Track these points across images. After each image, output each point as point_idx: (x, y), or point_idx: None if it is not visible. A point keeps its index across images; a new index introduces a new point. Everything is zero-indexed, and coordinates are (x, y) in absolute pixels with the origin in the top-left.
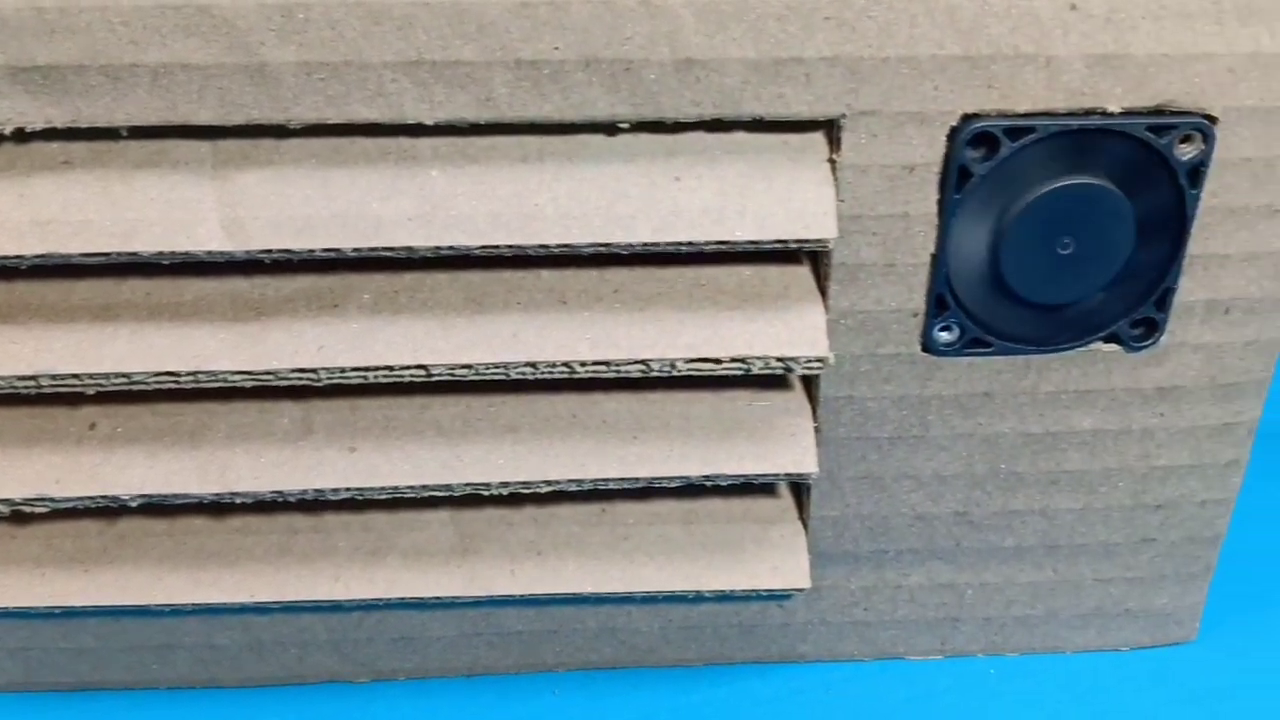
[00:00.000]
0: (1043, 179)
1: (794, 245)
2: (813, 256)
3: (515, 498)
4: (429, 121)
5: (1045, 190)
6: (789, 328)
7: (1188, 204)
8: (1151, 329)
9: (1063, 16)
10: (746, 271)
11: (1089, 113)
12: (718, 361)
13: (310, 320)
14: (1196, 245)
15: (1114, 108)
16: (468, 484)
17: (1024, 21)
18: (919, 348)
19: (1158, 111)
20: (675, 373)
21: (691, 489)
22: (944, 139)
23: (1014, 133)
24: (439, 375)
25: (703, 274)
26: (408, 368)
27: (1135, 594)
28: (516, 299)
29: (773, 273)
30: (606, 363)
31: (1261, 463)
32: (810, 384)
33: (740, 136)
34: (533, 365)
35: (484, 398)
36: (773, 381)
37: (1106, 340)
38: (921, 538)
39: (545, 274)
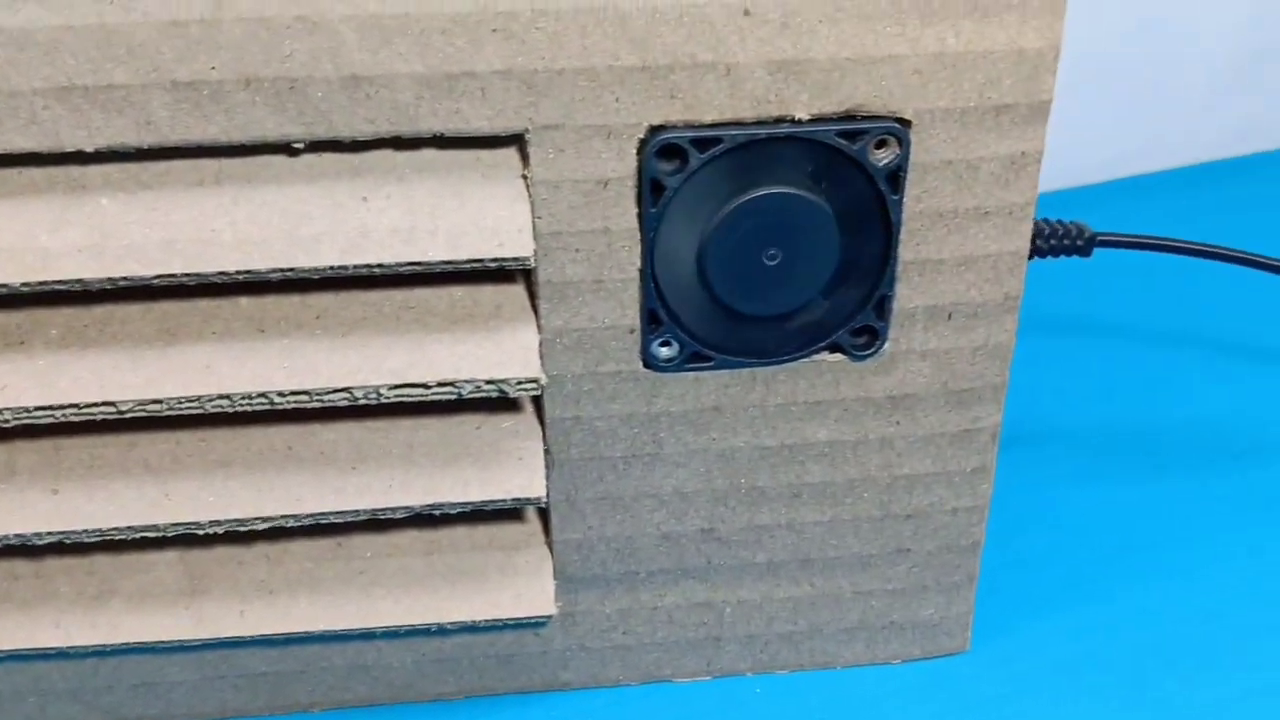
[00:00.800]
0: (738, 190)
1: (491, 264)
2: (527, 274)
3: (247, 534)
4: (89, 148)
5: (742, 201)
6: (499, 349)
7: (891, 209)
8: (873, 337)
9: (737, 22)
10: (458, 292)
11: (778, 120)
12: (425, 386)
13: None
14: (908, 251)
15: (802, 115)
16: (177, 524)
17: (698, 29)
18: (640, 364)
19: (848, 117)
20: (381, 400)
21: (433, 517)
22: (633, 152)
23: (701, 144)
24: (130, 412)
25: (412, 296)
26: (95, 405)
27: (898, 606)
28: (211, 329)
29: (485, 292)
30: (306, 392)
31: (1027, 466)
32: (540, 405)
33: (430, 154)
34: (227, 398)
35: (195, 432)
36: (503, 403)
37: (830, 350)
38: (671, 557)
39: (244, 301)
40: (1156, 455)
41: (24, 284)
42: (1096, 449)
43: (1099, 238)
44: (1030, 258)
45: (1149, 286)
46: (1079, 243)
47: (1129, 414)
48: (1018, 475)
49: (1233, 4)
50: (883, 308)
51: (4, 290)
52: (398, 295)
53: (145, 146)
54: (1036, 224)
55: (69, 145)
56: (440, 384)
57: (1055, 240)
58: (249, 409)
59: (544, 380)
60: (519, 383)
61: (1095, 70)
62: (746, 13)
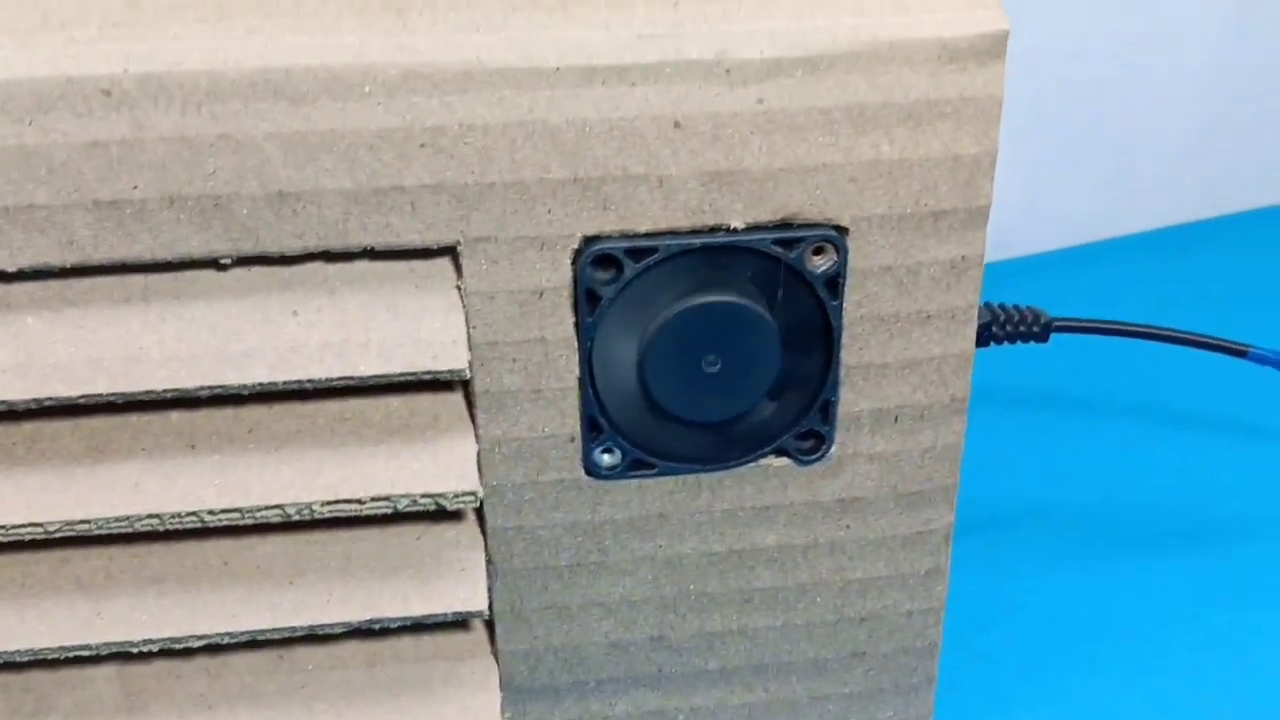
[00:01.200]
0: (675, 298)
1: (426, 376)
2: (465, 383)
3: (185, 649)
4: (9, 268)
5: (679, 309)
6: (435, 461)
7: (831, 315)
8: (819, 442)
9: (668, 135)
10: (394, 402)
11: (713, 230)
12: (359, 502)
13: None
14: (851, 355)
15: (737, 224)
16: (110, 644)
17: (629, 142)
18: (582, 472)
19: (783, 225)
20: (315, 516)
21: (378, 628)
22: (568, 262)
23: (636, 254)
24: (59, 532)
25: (347, 407)
26: (21, 527)
27: (855, 710)
28: (141, 445)
29: (423, 403)
30: (238, 510)
31: (987, 553)
32: (482, 515)
33: (362, 266)
34: (157, 517)
35: (128, 548)
36: (444, 513)
37: (776, 455)
38: (620, 665)
39: (175, 416)
40: (1118, 537)
41: None
42: (1057, 532)
43: (1056, 323)
44: (986, 344)
45: (1107, 365)
46: (1035, 329)
47: (1088, 495)
48: (977, 563)
49: (1196, 68)
50: (827, 412)
51: None
52: (332, 407)
53: (69, 265)
54: (992, 310)
55: None
56: (375, 499)
57: (1011, 327)
58: (180, 527)
59: (481, 493)
60: (456, 495)
61: (1057, 132)
62: (677, 125)
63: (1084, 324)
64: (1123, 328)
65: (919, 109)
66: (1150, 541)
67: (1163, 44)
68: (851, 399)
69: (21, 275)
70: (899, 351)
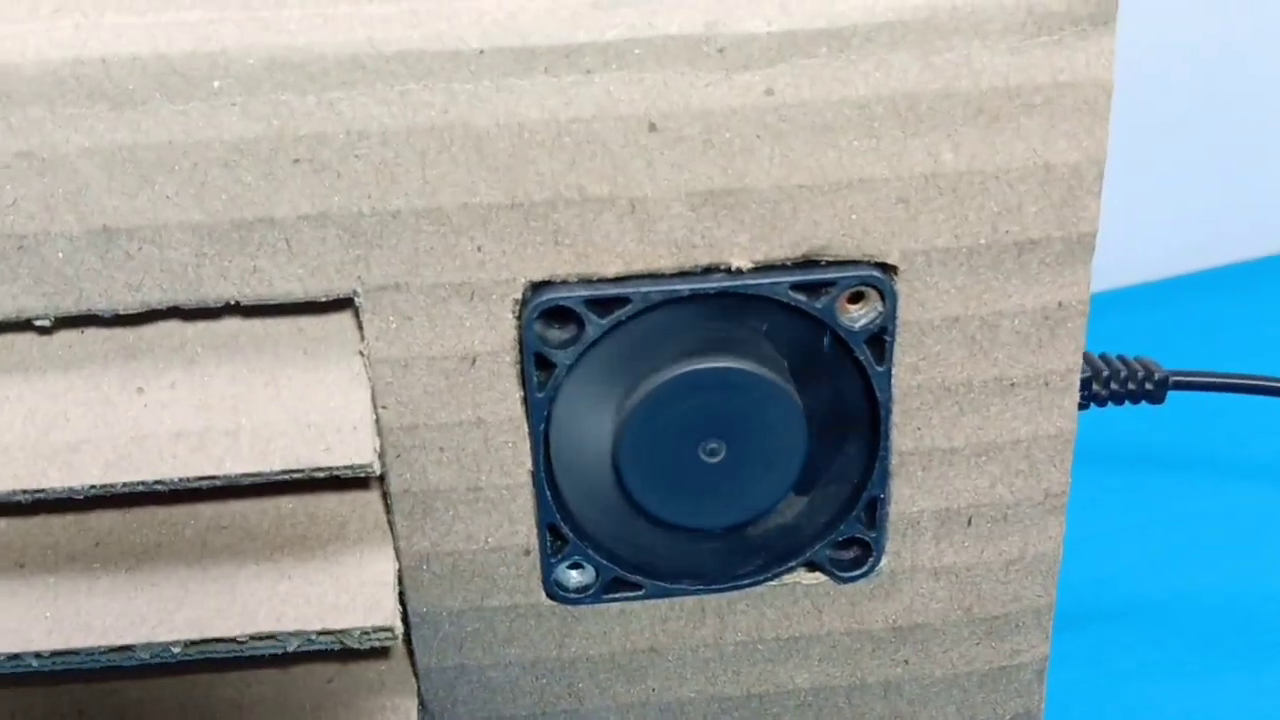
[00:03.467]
0: (658, 364)
1: (320, 474)
2: (381, 478)
3: None
4: None
5: (663, 380)
6: (338, 586)
7: (876, 384)
8: (864, 552)
9: (640, 141)
10: (287, 505)
11: (708, 271)
12: (235, 642)
13: None
14: (905, 439)
15: (741, 263)
16: None
17: (585, 152)
18: (542, 595)
19: (807, 264)
20: (177, 659)
21: None
22: (509, 317)
23: (601, 305)
24: None
25: (224, 512)
26: None
27: None
28: None
29: (326, 505)
30: (73, 651)
31: (1090, 660)
32: (412, 651)
33: (232, 326)
34: None
35: None
36: (358, 652)
37: (808, 569)
38: None
39: (1, 524)
40: (1253, 637)
41: None
42: (1178, 631)
43: (1173, 379)
44: (1085, 407)
45: (1229, 423)
46: (1148, 387)
47: (1215, 585)
48: (1077, 669)
49: None
50: (874, 513)
51: None
52: (205, 511)
53: None
54: (1094, 363)
55: None
56: (255, 638)
57: (1117, 385)
58: (5, 671)
59: (399, 629)
60: (365, 632)
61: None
62: (653, 128)
63: (1208, 379)
64: (1258, 383)
65: (995, 100)
66: None
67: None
68: (907, 495)
69: None
70: (972, 432)
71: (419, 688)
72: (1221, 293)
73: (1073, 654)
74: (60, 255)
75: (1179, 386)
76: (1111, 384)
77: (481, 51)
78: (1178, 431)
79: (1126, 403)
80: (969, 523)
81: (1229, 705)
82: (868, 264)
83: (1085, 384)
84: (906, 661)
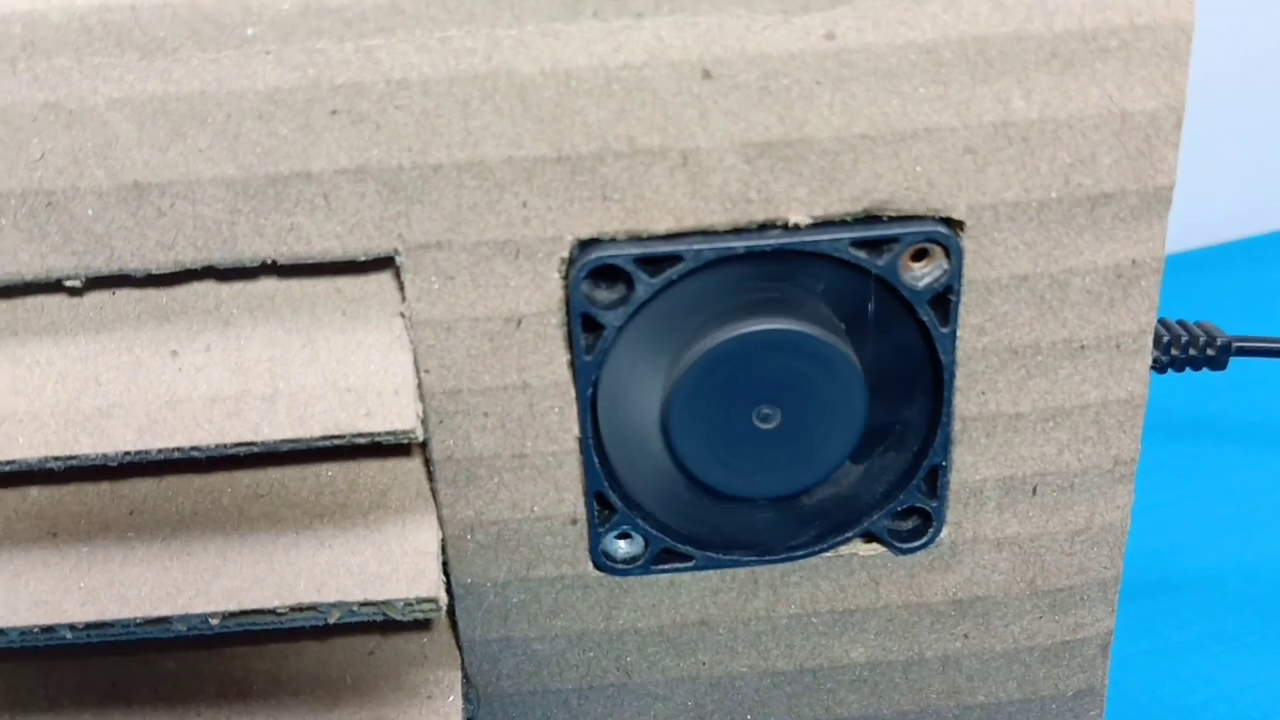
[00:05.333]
0: (710, 326)
1: (360, 440)
2: (423, 445)
3: None
4: None
5: (717, 343)
6: (380, 556)
7: (940, 346)
8: (924, 521)
9: (694, 89)
10: (328, 471)
11: (763, 227)
12: (274, 614)
13: None
14: (969, 403)
15: (799, 218)
16: None
17: (635, 100)
18: (590, 566)
19: (868, 219)
20: (214, 631)
21: None
22: (556, 277)
23: (652, 263)
24: None
25: (263, 480)
26: None
27: None
28: None
29: (367, 473)
30: (109, 624)
31: (1152, 630)
32: (455, 623)
33: (269, 285)
34: (1, 634)
35: None
36: (404, 621)
37: (864, 539)
38: None
39: (34, 493)
40: None
41: None
42: (1237, 606)
43: (1236, 344)
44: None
45: None
46: (1210, 352)
47: (1274, 557)
48: (1140, 642)
49: None
50: (935, 482)
51: None
52: (242, 479)
53: None
54: (1155, 329)
55: None
56: (295, 610)
57: (1178, 350)
58: (39, 644)
59: (443, 600)
60: (409, 604)
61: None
62: (707, 74)
63: (1273, 344)
64: None
65: (1069, 44)
66: None
67: None
68: (970, 463)
69: None
70: (1039, 397)
71: (463, 660)
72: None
73: (1130, 626)
74: (90, 212)
75: (1242, 353)
76: (1172, 350)
77: None
78: (1240, 399)
79: (1188, 369)
80: (1034, 491)
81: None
82: (933, 219)
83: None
84: (966, 635)
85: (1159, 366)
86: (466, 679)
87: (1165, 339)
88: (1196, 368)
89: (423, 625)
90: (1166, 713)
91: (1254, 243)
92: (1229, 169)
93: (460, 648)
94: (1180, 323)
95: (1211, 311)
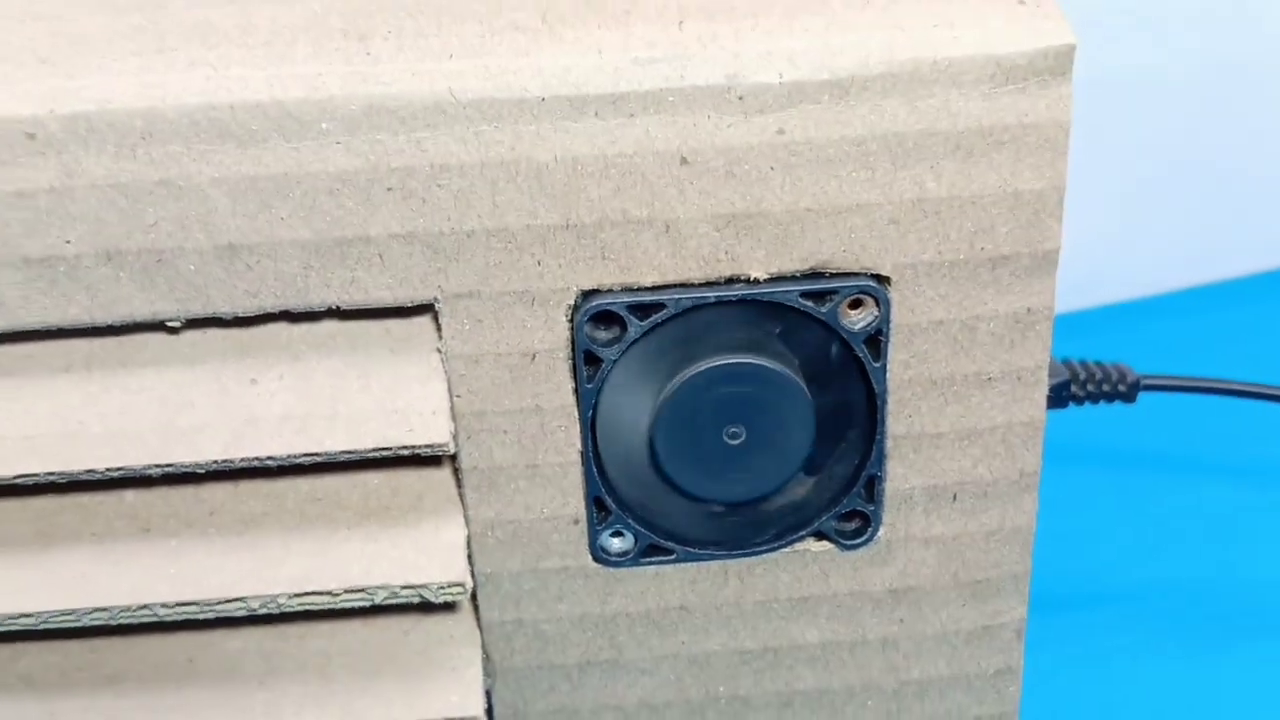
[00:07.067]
0: (688, 359)
1: (404, 452)
2: (452, 458)
3: None
4: None
5: (693, 373)
6: (418, 548)
7: (873, 378)
8: (864, 523)
9: (674, 173)
10: (374, 480)
11: (730, 281)
12: (330, 594)
13: None
14: (900, 424)
15: (758, 274)
16: None
17: (628, 181)
18: (589, 559)
19: (813, 275)
20: (281, 609)
21: None
22: (563, 320)
23: (641, 309)
24: (3, 626)
25: (320, 486)
26: None
27: None
28: (90, 529)
29: (405, 481)
30: (194, 603)
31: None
32: (477, 607)
33: (329, 327)
34: (104, 610)
35: (86, 643)
36: (435, 605)
37: (815, 538)
38: None
39: (129, 496)
40: (1221, 622)
41: None
42: (1150, 617)
43: (1144, 381)
44: (1064, 405)
45: (1200, 426)
46: (1121, 388)
47: (1184, 574)
48: (1055, 652)
49: None
50: (872, 490)
51: None
52: (303, 486)
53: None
54: (1071, 367)
55: None
56: (349, 591)
57: (1093, 386)
58: (132, 621)
59: (470, 583)
60: (442, 587)
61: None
62: (684, 161)
63: (1175, 382)
64: (1218, 386)
65: (970, 138)
66: (1261, 628)
67: (1257, 77)
68: (901, 474)
69: None
70: (956, 419)
71: (482, 639)
72: (1200, 310)
73: (1048, 642)
74: (191, 268)
75: (1149, 388)
76: (1089, 386)
77: (542, 99)
78: (1149, 435)
79: (1101, 402)
80: (954, 498)
81: (1198, 685)
82: (865, 275)
83: (1065, 385)
84: (902, 620)
85: (1078, 399)
86: (486, 655)
87: (1083, 377)
88: (1110, 401)
89: (449, 609)
90: (1080, 706)
91: (1174, 297)
92: (1149, 221)
93: (480, 629)
94: (1097, 363)
95: (1132, 358)
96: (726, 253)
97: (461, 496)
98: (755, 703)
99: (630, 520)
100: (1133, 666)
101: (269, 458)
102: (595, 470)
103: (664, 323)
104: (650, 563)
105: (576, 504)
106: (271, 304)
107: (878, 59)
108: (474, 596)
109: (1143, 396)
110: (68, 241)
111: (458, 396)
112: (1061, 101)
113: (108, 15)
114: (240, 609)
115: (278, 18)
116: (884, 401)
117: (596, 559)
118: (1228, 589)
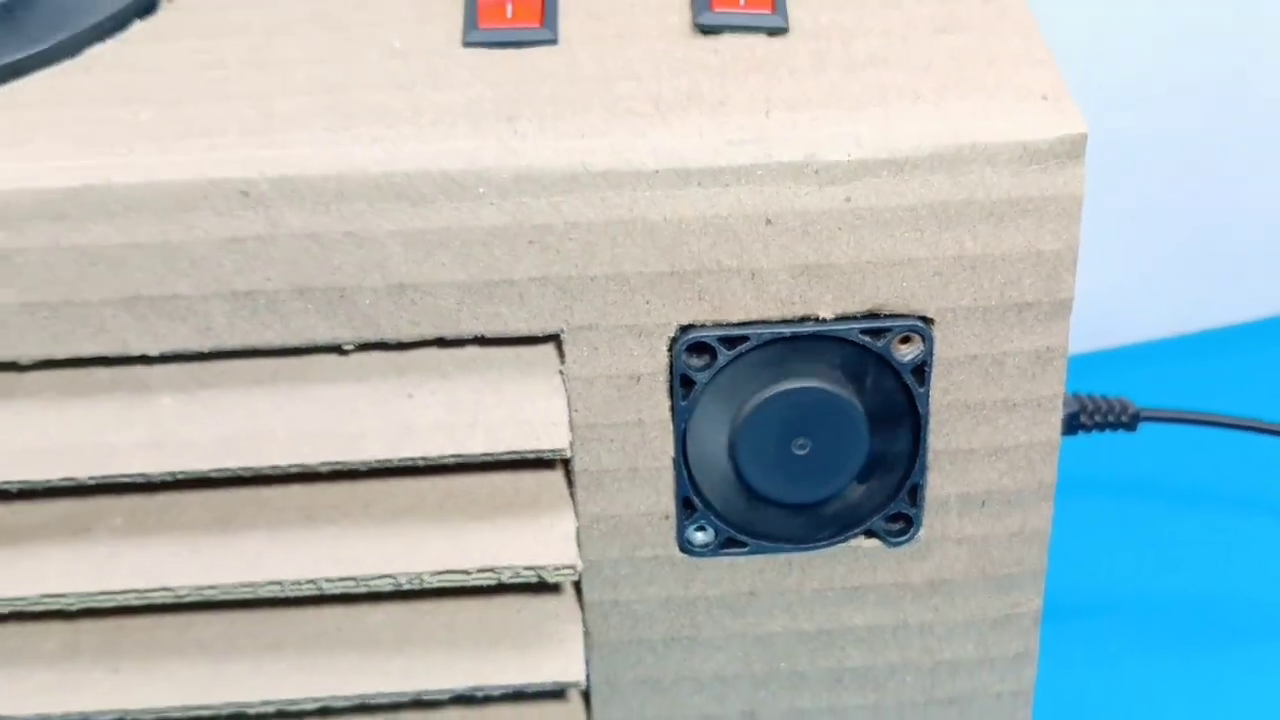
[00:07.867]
0: (766, 383)
1: (530, 455)
2: (566, 462)
3: (298, 712)
4: (153, 353)
5: (769, 395)
6: (537, 536)
7: (918, 401)
8: (907, 524)
9: (760, 231)
10: (499, 480)
11: (802, 319)
12: (465, 573)
13: (59, 545)
14: (939, 441)
15: (826, 314)
16: (230, 703)
17: (722, 238)
18: (676, 549)
19: (871, 315)
20: (424, 585)
21: (478, 696)
22: (664, 349)
23: (729, 341)
24: (187, 597)
25: (455, 484)
26: (154, 590)
27: None
28: (264, 517)
29: (526, 481)
30: (353, 578)
31: (1079, 642)
32: (579, 588)
33: (472, 351)
34: (278, 584)
35: (249, 613)
36: (543, 586)
37: (866, 536)
38: None
39: (296, 489)
40: (1210, 631)
41: (90, 477)
42: (1149, 625)
43: (1144, 414)
44: (1073, 433)
45: (1197, 457)
46: (1123, 419)
47: (1179, 587)
48: (1067, 654)
49: None
50: (915, 495)
51: (72, 482)
52: (441, 484)
53: (205, 350)
54: (1079, 400)
55: (134, 350)
56: (480, 570)
57: (1099, 417)
58: (299, 594)
59: (580, 566)
60: (557, 568)
61: (1151, 221)
62: (769, 222)
63: (1172, 415)
64: (1211, 419)
65: (1001, 207)
66: (1243, 637)
67: (1257, 128)
68: (939, 483)
69: (162, 359)
70: (985, 438)
71: (584, 617)
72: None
73: (1060, 645)
74: (367, 302)
75: (1150, 420)
76: (1095, 416)
77: (656, 171)
78: (1151, 464)
79: (1106, 430)
80: (983, 504)
81: (1188, 688)
82: (914, 317)
83: (1075, 415)
84: (936, 608)
85: (1085, 428)
86: (586, 631)
87: (1090, 408)
88: (1114, 429)
89: (555, 590)
90: (1088, 700)
91: (1179, 341)
92: (1156, 271)
93: (581, 607)
94: (1102, 396)
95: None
96: (800, 296)
97: (572, 495)
98: (810, 677)
99: (712, 517)
100: (1131, 673)
101: (420, 458)
102: (685, 474)
103: (747, 352)
104: (727, 554)
105: (668, 502)
106: (428, 332)
107: (928, 143)
108: (578, 580)
109: (1143, 428)
110: (268, 279)
111: (575, 411)
112: (1076, 178)
113: (304, 97)
114: (390, 584)
115: (441, 102)
116: (926, 422)
117: (682, 549)
118: (1220, 606)
